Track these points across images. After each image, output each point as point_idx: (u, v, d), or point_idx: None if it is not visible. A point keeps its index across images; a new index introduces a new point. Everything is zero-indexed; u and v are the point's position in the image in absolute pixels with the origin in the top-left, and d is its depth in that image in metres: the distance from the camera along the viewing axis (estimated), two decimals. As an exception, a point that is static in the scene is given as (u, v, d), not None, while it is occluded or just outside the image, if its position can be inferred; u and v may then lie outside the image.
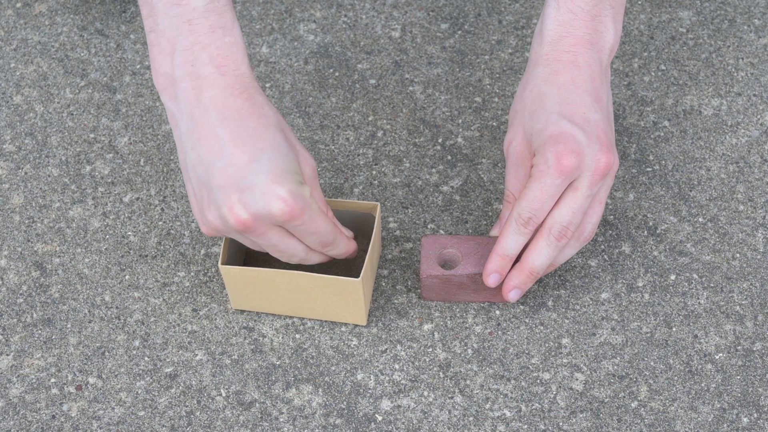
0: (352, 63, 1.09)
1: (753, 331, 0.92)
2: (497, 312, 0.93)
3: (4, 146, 1.05)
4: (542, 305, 0.94)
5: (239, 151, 0.79)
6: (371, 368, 0.91)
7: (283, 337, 0.92)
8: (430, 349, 0.92)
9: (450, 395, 0.89)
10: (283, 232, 0.82)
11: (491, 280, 0.88)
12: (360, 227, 0.94)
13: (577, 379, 0.90)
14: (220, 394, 0.90)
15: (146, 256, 0.97)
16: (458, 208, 0.99)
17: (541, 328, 0.92)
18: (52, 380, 0.91)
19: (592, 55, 0.88)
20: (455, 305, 0.94)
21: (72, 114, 1.07)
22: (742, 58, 1.08)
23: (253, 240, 0.83)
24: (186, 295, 0.95)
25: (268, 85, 1.08)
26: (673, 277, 0.95)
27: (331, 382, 0.90)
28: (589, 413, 0.88)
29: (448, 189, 1.00)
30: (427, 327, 0.93)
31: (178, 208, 1.00)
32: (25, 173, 1.03)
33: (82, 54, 1.11)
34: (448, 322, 0.93)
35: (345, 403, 0.89)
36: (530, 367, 0.90)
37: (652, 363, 0.90)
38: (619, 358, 0.91)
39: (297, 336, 0.92)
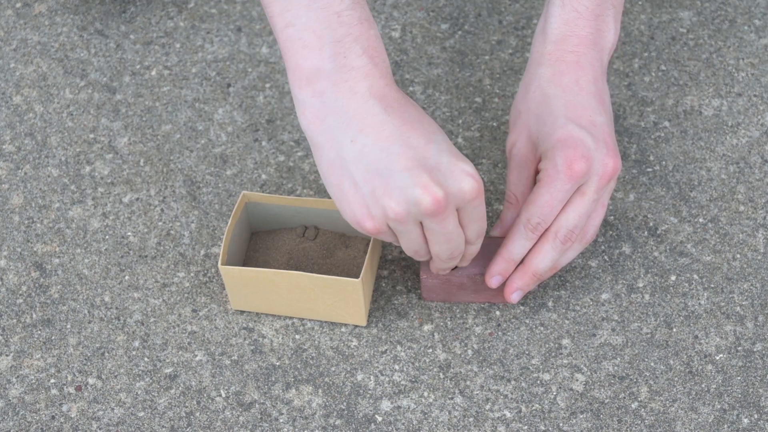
0: (352, 63, 1.09)
1: (753, 332, 0.92)
2: (497, 313, 0.93)
3: (4, 146, 1.05)
4: (542, 306, 0.94)
5: (415, 134, 0.77)
6: (371, 369, 0.91)
7: (283, 338, 0.92)
8: (430, 350, 0.92)
9: (450, 396, 0.89)
10: (456, 218, 0.80)
11: (494, 282, 0.88)
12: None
13: (577, 380, 0.90)
14: (220, 395, 0.90)
15: (146, 256, 0.97)
16: (458, 208, 0.99)
17: (542, 328, 0.92)
18: (52, 381, 0.91)
19: (595, 55, 0.88)
20: (455, 306, 0.94)
21: (72, 114, 1.07)
22: (743, 59, 1.08)
23: (431, 225, 0.79)
24: (186, 295, 0.95)
25: (268, 85, 1.08)
26: (673, 277, 0.95)
27: (331, 382, 0.90)
28: (589, 414, 0.88)
29: (448, 189, 1.00)
30: (427, 327, 0.93)
31: (177, 209, 1.00)
32: (25, 173, 1.03)
33: (82, 54, 1.11)
34: (448, 322, 0.93)
35: (345, 403, 0.89)
36: (530, 367, 0.90)
37: (652, 364, 0.90)
38: (619, 359, 0.91)
39: (297, 336, 0.92)
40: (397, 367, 0.91)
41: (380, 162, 0.76)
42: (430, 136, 0.77)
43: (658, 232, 0.97)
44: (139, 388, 0.90)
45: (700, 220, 0.98)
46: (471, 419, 0.88)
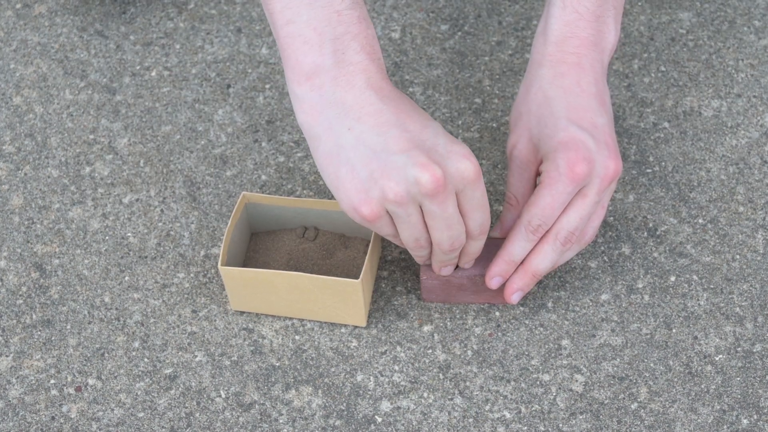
0: (351, 64, 1.09)
1: (753, 333, 0.92)
2: (497, 313, 0.93)
3: (4, 147, 1.05)
4: (542, 306, 0.94)
5: (411, 120, 0.78)
6: (371, 369, 0.91)
7: (282, 339, 0.92)
8: (430, 351, 0.92)
9: (450, 397, 0.89)
10: (455, 202, 0.80)
11: (494, 283, 0.88)
12: (360, 228, 0.94)
13: (576, 381, 0.90)
14: (220, 396, 0.90)
15: (146, 257, 0.97)
16: (458, 209, 0.99)
17: (541, 329, 0.92)
18: (52, 381, 0.91)
19: (596, 56, 0.88)
20: (455, 306, 0.94)
21: (72, 115, 1.07)
22: (742, 60, 1.08)
23: (429, 208, 0.79)
24: (185, 296, 0.95)
25: (268, 86, 1.08)
26: (673, 278, 0.95)
27: (330, 383, 0.90)
28: (588, 415, 0.88)
29: (448, 190, 1.00)
30: (426, 328, 0.93)
31: (177, 209, 1.00)
32: (25, 174, 1.03)
33: (82, 55, 1.11)
34: (448, 323, 0.93)
35: (345, 404, 0.89)
36: (530, 368, 0.90)
37: (651, 364, 0.90)
38: (618, 360, 0.91)
39: (297, 337, 0.92)
40: (396, 367, 0.91)
41: (377, 145, 0.78)
42: (426, 122, 0.79)
43: (657, 232, 0.97)
44: (138, 389, 0.90)
45: (700, 220, 0.98)
46: (471, 420, 0.88)
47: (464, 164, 0.78)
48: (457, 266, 0.90)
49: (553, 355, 0.91)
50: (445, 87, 1.07)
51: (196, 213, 1.00)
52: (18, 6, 1.15)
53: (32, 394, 0.90)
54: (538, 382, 0.90)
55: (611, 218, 0.98)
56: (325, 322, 0.93)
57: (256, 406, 0.89)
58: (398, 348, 0.92)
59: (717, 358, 0.90)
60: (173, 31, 1.13)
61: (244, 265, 0.95)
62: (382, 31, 1.11)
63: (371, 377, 0.90)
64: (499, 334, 0.92)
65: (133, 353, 0.92)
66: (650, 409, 0.88)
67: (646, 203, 0.99)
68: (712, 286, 0.94)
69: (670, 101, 1.06)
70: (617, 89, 1.06)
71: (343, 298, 0.89)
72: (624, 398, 0.89)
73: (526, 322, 0.93)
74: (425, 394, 0.89)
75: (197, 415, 0.89)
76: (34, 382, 0.91)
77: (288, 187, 1.01)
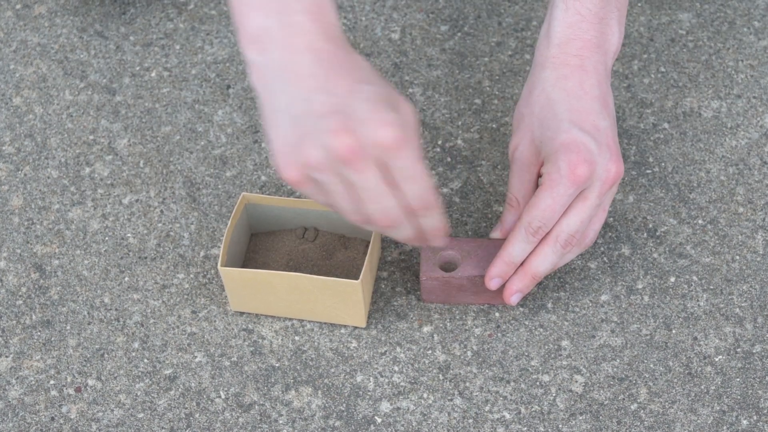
0: (351, 65, 1.09)
1: (753, 333, 0.92)
2: (497, 314, 0.93)
3: (4, 148, 1.05)
4: (542, 307, 0.94)
5: (340, 81, 0.76)
6: (371, 370, 0.91)
7: (282, 339, 0.92)
8: (430, 351, 0.92)
9: (449, 397, 0.89)
10: (381, 176, 0.76)
11: (493, 284, 0.88)
12: (359, 228, 0.94)
13: (576, 381, 0.90)
14: (220, 396, 0.90)
15: (145, 257, 0.97)
16: (458, 210, 0.99)
17: (541, 330, 0.92)
18: (52, 382, 0.91)
19: (599, 58, 0.88)
20: (455, 307, 0.94)
21: (71, 116, 1.07)
22: (742, 60, 1.08)
23: (349, 176, 0.76)
24: (185, 296, 0.95)
25: (267, 86, 1.08)
26: (672, 279, 0.95)
27: (330, 384, 0.90)
28: (588, 415, 0.88)
29: (448, 191, 1.00)
30: (426, 329, 0.93)
31: (177, 210, 1.00)
32: (25, 175, 1.03)
33: (82, 56, 1.11)
34: (448, 324, 0.93)
35: (344, 405, 0.89)
36: (530, 369, 0.90)
37: (651, 365, 0.90)
38: (618, 360, 0.91)
39: (296, 338, 0.92)
40: (396, 368, 0.91)
41: (302, 109, 0.76)
42: (357, 86, 0.76)
43: (657, 233, 0.97)
44: (138, 390, 0.90)
45: (700, 221, 0.98)
46: (470, 420, 0.88)
47: (382, 132, 0.74)
48: (455, 268, 0.90)
49: (552, 355, 0.91)
50: (444, 88, 1.07)
51: (196, 214, 1.00)
52: (18, 6, 1.15)
53: (32, 395, 0.90)
54: (537, 383, 0.90)
55: (611, 219, 0.98)
56: (325, 323, 0.93)
57: (256, 407, 0.89)
58: (398, 349, 0.92)
59: (717, 359, 0.90)
60: (173, 31, 1.13)
61: (244, 266, 0.95)
62: (381, 31, 1.11)
63: (371, 378, 0.90)
64: (499, 334, 0.92)
65: (133, 354, 0.92)
66: (650, 409, 0.88)
67: (646, 204, 0.99)
68: (711, 287, 0.94)
69: (670, 102, 1.06)
70: (617, 90, 1.06)
71: (343, 299, 0.89)
72: (624, 399, 0.89)
73: (526, 322, 0.93)
74: (425, 395, 0.89)
75: (197, 415, 0.89)
76: (33, 382, 0.91)
77: (288, 188, 1.01)
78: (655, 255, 0.96)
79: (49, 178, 1.02)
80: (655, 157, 1.02)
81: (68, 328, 0.94)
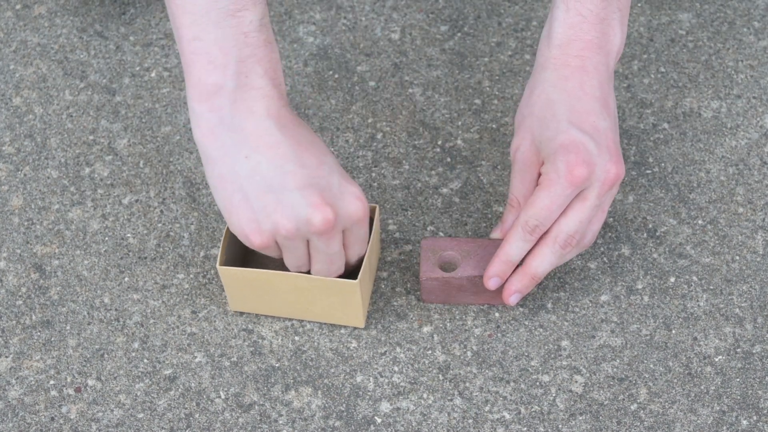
0: (351, 65, 1.09)
1: (752, 334, 0.92)
2: (497, 314, 0.93)
3: (4, 148, 1.05)
4: (542, 307, 0.94)
5: (308, 154, 0.80)
6: (370, 370, 0.91)
7: (282, 339, 0.92)
8: (430, 352, 0.92)
9: (449, 397, 0.89)
10: (341, 239, 0.84)
11: (492, 283, 0.88)
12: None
13: (576, 382, 0.90)
14: (219, 397, 0.90)
15: (145, 258, 0.97)
16: (458, 210, 0.99)
17: (541, 330, 0.92)
18: (51, 382, 0.91)
19: (600, 59, 0.88)
20: (455, 307, 0.94)
21: (71, 116, 1.07)
22: (742, 61, 1.08)
23: (318, 244, 0.82)
24: (185, 297, 0.95)
25: (267, 87, 1.08)
26: (672, 279, 0.95)
27: (330, 384, 0.90)
28: (588, 416, 0.88)
29: (448, 191, 1.00)
30: (426, 329, 0.93)
31: (177, 210, 1.00)
32: (25, 175, 1.03)
33: (82, 56, 1.11)
34: (448, 324, 0.93)
35: (344, 405, 0.89)
36: (530, 369, 0.90)
37: (651, 365, 0.90)
38: (618, 361, 0.91)
39: (296, 338, 0.92)
40: (396, 368, 0.91)
41: (273, 179, 0.80)
42: (322, 158, 0.81)
43: (657, 233, 0.97)
44: (138, 390, 0.90)
45: (699, 221, 0.98)
46: (470, 421, 0.88)
47: (355, 205, 0.81)
48: (455, 268, 0.90)
49: (552, 356, 0.91)
50: (444, 88, 1.07)
51: (196, 214, 1.00)
52: (18, 7, 1.15)
53: (32, 395, 0.90)
54: (537, 383, 0.90)
55: (611, 219, 0.98)
56: (325, 323, 0.93)
57: (256, 407, 0.89)
58: (398, 349, 0.92)
59: (717, 359, 0.90)
60: (173, 32, 1.13)
61: (243, 266, 0.95)
62: (381, 32, 1.11)
63: (371, 378, 0.90)
64: (499, 335, 0.92)
65: (133, 354, 0.92)
66: (650, 410, 0.88)
67: (646, 204, 0.99)
68: (711, 287, 0.94)
69: (670, 102, 1.06)
70: (617, 90, 1.06)
71: (342, 299, 0.89)
72: (624, 399, 0.89)
73: (526, 323, 0.93)
74: (425, 395, 0.89)
75: (197, 416, 0.89)
76: (33, 382, 0.91)
77: (288, 188, 1.01)
78: (655, 255, 0.96)
79: (49, 178, 1.02)
80: (655, 157, 1.02)
81: (68, 328, 0.94)
